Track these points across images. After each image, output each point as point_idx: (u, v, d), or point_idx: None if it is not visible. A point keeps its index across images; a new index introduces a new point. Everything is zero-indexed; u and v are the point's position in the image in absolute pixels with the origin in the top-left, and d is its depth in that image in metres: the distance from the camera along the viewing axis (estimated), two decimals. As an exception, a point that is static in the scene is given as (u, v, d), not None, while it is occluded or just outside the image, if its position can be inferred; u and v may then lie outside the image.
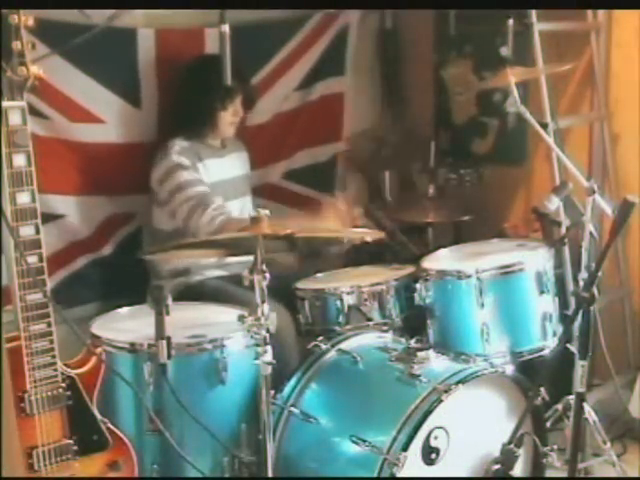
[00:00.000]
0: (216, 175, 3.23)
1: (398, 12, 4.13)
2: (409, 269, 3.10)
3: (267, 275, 2.29)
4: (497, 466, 2.48)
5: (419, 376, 2.51)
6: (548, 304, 2.95)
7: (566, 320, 2.96)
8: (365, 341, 2.79)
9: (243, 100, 3.26)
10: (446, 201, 3.83)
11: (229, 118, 3.25)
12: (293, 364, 2.74)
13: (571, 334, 2.76)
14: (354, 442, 2.44)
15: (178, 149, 3.14)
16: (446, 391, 2.41)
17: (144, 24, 3.24)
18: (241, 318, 2.33)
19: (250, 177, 3.46)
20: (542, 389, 2.53)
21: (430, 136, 4.06)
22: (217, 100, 3.16)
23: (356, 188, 4.09)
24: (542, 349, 2.92)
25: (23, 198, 2.06)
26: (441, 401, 2.39)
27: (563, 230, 3.13)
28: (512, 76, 2.99)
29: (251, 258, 2.28)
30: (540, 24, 3.32)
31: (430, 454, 2.43)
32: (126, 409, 2.51)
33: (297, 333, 2.97)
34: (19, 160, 2.05)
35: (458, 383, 2.44)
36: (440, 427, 2.43)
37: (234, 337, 2.53)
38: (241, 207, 3.30)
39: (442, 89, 4.16)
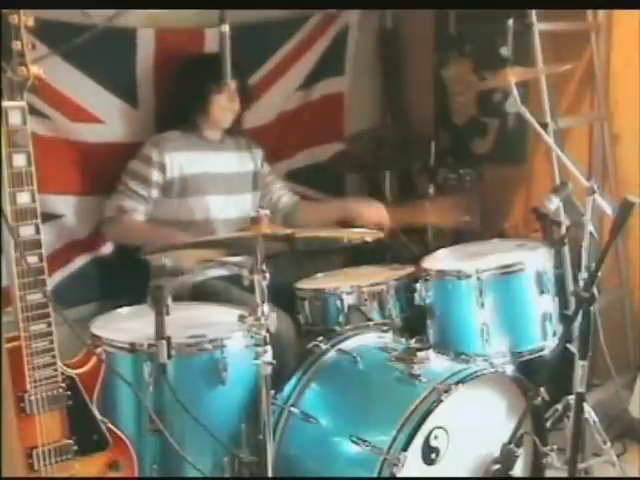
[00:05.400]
0: (209, 167, 3.25)
1: (398, 12, 4.13)
2: (409, 269, 3.09)
3: (267, 275, 2.29)
4: (497, 466, 2.48)
5: (419, 376, 2.51)
6: (548, 304, 2.95)
7: (566, 320, 2.96)
8: (365, 341, 2.79)
9: (238, 87, 3.25)
10: (446, 203, 3.82)
11: (224, 102, 3.24)
12: (291, 365, 2.73)
13: (571, 334, 2.76)
14: (354, 442, 2.45)
15: (156, 140, 3.19)
16: (446, 391, 2.41)
17: (144, 24, 3.24)
18: (241, 318, 2.33)
19: (256, 176, 3.43)
20: (542, 389, 2.53)
21: (430, 136, 4.07)
22: (209, 80, 3.10)
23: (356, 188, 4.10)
24: (542, 349, 2.91)
25: (23, 198, 2.06)
26: (441, 401, 2.39)
27: (563, 230, 3.13)
28: (512, 76, 2.99)
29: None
30: (540, 24, 3.32)
31: (430, 454, 2.43)
32: (126, 409, 2.51)
33: (297, 333, 2.97)
34: (19, 160, 2.04)
35: (458, 383, 2.44)
36: (440, 427, 2.43)
37: (234, 337, 2.53)
38: (236, 204, 3.30)
39: (442, 89, 4.16)
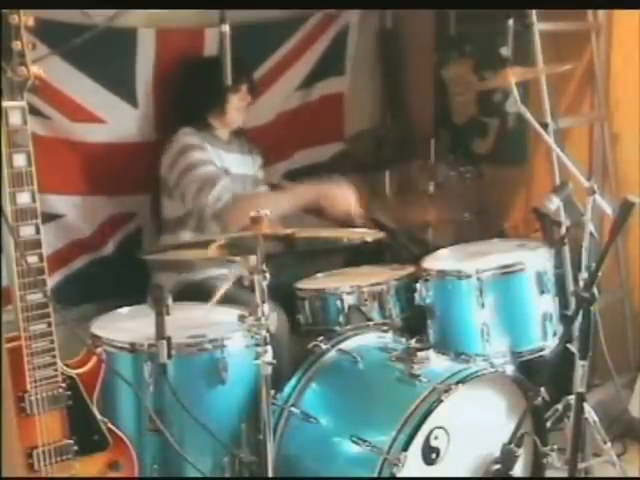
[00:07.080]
0: (223, 165, 3.23)
1: (398, 12, 4.13)
2: (409, 269, 3.09)
3: (267, 275, 2.29)
4: (497, 466, 2.48)
5: (419, 376, 2.51)
6: (548, 304, 2.95)
7: (566, 320, 2.96)
8: (365, 341, 2.78)
9: (248, 87, 3.29)
10: (446, 200, 3.82)
11: (237, 102, 3.26)
12: (286, 364, 2.73)
13: (571, 334, 2.76)
14: (354, 442, 2.44)
15: (187, 132, 3.17)
16: (446, 391, 2.41)
17: (144, 24, 3.24)
18: (241, 318, 2.33)
19: (257, 180, 3.43)
20: (542, 389, 2.53)
21: (430, 136, 4.06)
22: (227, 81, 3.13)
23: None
24: (542, 349, 2.92)
25: (23, 198, 2.05)
26: (441, 401, 2.39)
27: (563, 230, 3.13)
28: (512, 76, 2.99)
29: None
30: (540, 24, 3.33)
31: (430, 454, 2.43)
32: (126, 409, 2.51)
33: (296, 333, 2.97)
34: (19, 160, 2.04)
35: (458, 383, 2.44)
36: (440, 427, 2.43)
37: (234, 337, 2.53)
38: None
39: (442, 89, 4.16)
